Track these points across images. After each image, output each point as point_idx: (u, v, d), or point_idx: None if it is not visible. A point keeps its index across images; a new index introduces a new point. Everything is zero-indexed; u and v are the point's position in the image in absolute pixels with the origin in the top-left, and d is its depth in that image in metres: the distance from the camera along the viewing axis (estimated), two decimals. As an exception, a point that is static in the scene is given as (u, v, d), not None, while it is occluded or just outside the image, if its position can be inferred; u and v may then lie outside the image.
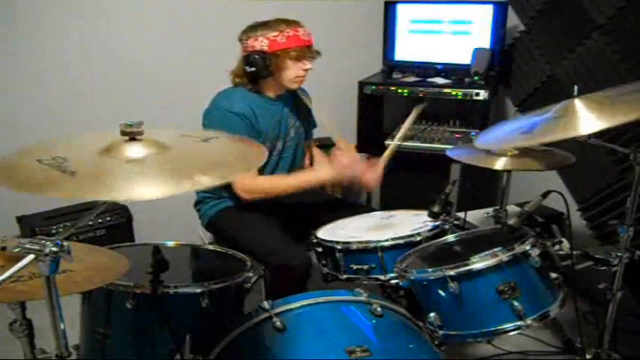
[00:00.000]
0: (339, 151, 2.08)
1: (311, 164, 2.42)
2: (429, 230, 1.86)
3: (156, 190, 1.01)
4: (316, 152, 2.47)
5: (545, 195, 1.66)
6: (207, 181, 1.06)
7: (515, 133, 1.63)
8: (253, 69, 2.02)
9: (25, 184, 1.03)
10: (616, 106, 1.48)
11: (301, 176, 2.17)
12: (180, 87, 2.94)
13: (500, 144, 1.76)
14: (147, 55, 2.87)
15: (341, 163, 2.05)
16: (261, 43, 2.01)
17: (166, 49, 2.91)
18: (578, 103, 1.51)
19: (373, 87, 3.05)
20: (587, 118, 1.45)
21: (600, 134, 1.58)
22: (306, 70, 2.08)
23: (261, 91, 2.13)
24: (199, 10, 2.93)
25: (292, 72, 2.07)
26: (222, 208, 2.18)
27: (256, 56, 2.01)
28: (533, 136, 1.53)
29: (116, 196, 1.00)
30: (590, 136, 1.63)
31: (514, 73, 3.12)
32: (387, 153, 2.23)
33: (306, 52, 2.06)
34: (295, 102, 2.24)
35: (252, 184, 2.05)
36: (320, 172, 2.14)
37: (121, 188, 1.00)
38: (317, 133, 2.53)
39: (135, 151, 1.10)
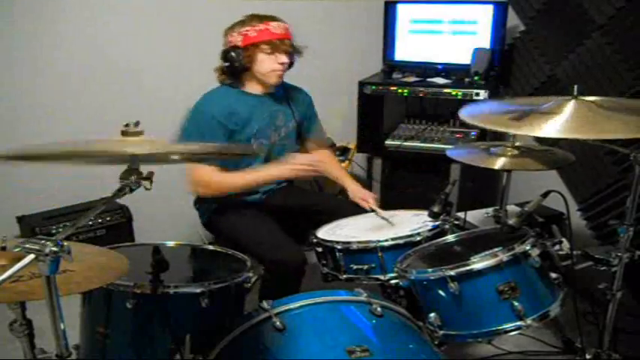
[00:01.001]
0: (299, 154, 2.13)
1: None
2: (429, 230, 1.86)
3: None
4: (324, 153, 2.46)
5: (545, 195, 1.66)
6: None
7: (503, 115, 1.61)
8: (227, 64, 2.07)
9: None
10: (610, 120, 1.49)
11: (260, 171, 2.12)
12: (178, 88, 2.93)
13: (484, 121, 1.69)
14: (145, 56, 2.87)
15: (296, 161, 2.07)
16: (236, 38, 2.07)
17: (164, 51, 2.91)
18: (575, 104, 1.52)
19: (373, 87, 3.05)
20: (581, 123, 1.46)
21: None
22: (281, 63, 2.09)
23: (245, 88, 2.14)
24: (197, 12, 2.92)
25: (266, 65, 2.08)
26: (220, 206, 2.18)
27: (231, 52, 2.06)
28: (519, 125, 1.52)
29: None
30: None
31: (514, 73, 3.11)
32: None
33: (279, 45, 2.07)
34: (288, 101, 2.24)
35: (209, 180, 2.04)
36: (274, 168, 2.11)
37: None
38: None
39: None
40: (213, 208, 2.19)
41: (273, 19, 2.09)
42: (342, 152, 3.08)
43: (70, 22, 2.70)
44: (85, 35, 2.74)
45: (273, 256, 1.93)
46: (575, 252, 1.71)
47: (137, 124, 1.11)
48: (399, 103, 3.26)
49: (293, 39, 2.13)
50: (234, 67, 2.07)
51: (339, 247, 1.86)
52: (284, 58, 2.09)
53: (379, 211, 2.17)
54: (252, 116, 2.12)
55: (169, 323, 1.50)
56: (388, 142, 3.03)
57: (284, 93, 2.23)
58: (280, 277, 1.93)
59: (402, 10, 3.18)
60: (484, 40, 3.02)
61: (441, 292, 1.56)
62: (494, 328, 1.53)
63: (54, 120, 2.70)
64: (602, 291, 1.72)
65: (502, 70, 3.08)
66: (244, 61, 2.06)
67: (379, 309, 1.46)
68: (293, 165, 2.06)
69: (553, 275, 1.61)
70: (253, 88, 2.15)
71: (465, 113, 1.69)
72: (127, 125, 1.10)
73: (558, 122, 1.48)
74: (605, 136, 1.46)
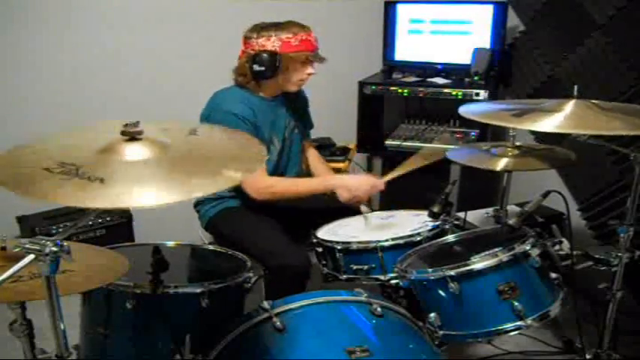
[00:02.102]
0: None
1: (307, 165, 2.41)
2: (429, 230, 1.86)
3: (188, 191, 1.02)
4: (313, 154, 2.46)
5: (545, 195, 1.66)
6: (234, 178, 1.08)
7: (504, 112, 1.61)
8: (262, 68, 2.01)
9: (58, 195, 1.00)
10: (611, 118, 1.49)
11: (313, 181, 2.22)
12: (176, 85, 2.94)
13: (483, 116, 1.70)
14: (142, 53, 2.87)
15: (358, 182, 2.09)
16: (273, 43, 2.01)
17: (162, 48, 2.91)
18: (575, 104, 1.52)
19: (373, 87, 3.05)
20: (581, 119, 1.46)
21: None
22: (309, 74, 2.10)
23: (258, 91, 2.12)
24: (196, 10, 2.92)
25: (297, 75, 2.08)
26: (222, 209, 2.17)
27: (266, 55, 2.00)
28: (522, 121, 1.52)
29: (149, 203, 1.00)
30: (589, 135, 1.64)
31: (514, 73, 3.11)
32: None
33: (315, 57, 2.07)
34: (289, 103, 2.24)
35: (264, 184, 2.04)
36: (332, 180, 2.17)
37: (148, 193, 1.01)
38: (315, 133, 2.53)
39: (135, 151, 1.10)
40: (214, 213, 2.18)
41: (310, 30, 2.07)
42: (342, 152, 3.08)
43: (76, 23, 2.71)
44: (90, 36, 2.74)
45: (279, 262, 1.91)
46: (575, 252, 1.71)
47: (137, 123, 1.10)
48: (399, 103, 3.26)
49: None
50: (265, 72, 2.02)
51: (339, 247, 1.86)
52: (312, 69, 2.09)
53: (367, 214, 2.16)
54: (267, 117, 2.12)
55: (169, 323, 1.50)
56: (388, 142, 3.03)
57: (286, 94, 2.23)
58: (286, 282, 1.90)
59: (401, 10, 3.18)
60: (484, 40, 3.02)
61: (441, 292, 1.57)
62: (494, 328, 1.53)
63: (57, 120, 2.69)
64: (602, 291, 1.72)
65: (502, 70, 3.08)
66: (280, 68, 2.02)
67: (379, 309, 1.46)
68: (354, 192, 2.06)
69: (553, 275, 1.62)
70: (267, 92, 2.13)
71: (464, 111, 1.69)
72: (126, 125, 1.09)
73: (559, 118, 1.49)
74: (606, 132, 1.46)
